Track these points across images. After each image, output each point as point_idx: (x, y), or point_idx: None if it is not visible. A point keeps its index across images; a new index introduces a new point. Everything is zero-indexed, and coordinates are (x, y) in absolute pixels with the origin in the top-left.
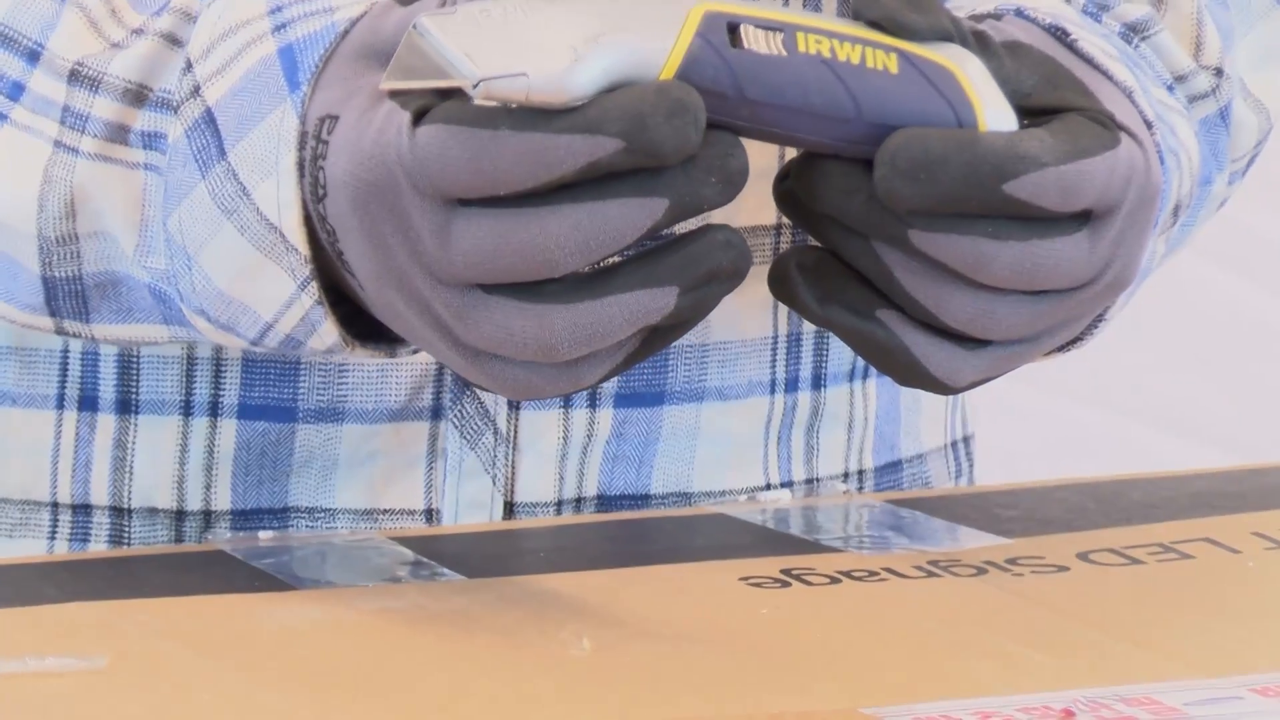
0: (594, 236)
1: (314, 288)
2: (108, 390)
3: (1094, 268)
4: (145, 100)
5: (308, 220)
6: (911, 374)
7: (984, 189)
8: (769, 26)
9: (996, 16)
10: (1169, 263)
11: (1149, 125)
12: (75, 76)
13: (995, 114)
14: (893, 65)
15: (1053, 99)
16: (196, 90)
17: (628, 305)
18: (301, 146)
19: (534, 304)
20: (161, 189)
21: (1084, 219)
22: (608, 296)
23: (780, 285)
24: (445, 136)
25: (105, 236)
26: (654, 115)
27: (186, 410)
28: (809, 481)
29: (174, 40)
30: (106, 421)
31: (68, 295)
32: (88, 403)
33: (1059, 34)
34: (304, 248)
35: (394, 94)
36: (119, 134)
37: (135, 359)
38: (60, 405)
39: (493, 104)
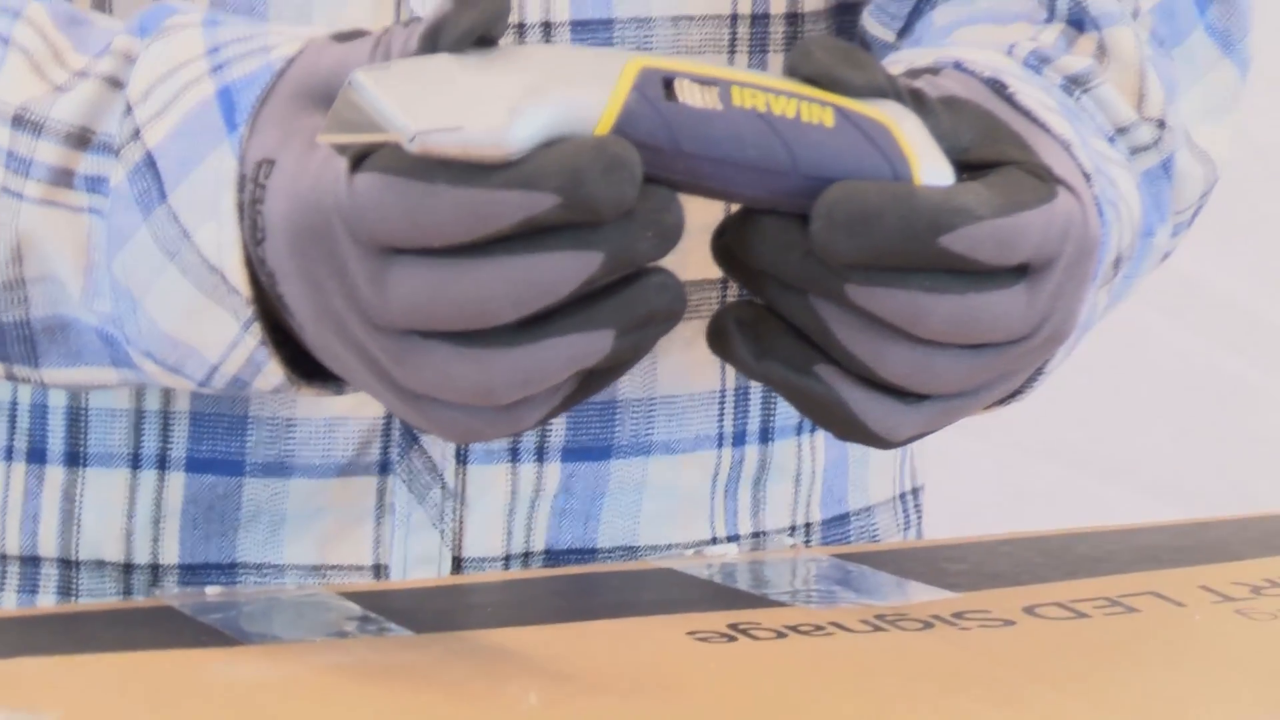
0: (529, 289)
1: (257, 328)
2: (56, 442)
3: (1032, 321)
4: (88, 144)
5: (249, 261)
6: (849, 429)
7: (920, 242)
8: (704, 81)
9: (934, 71)
10: (1117, 314)
11: (1087, 177)
12: (19, 121)
13: (931, 168)
14: (828, 120)
15: (991, 153)
16: (137, 133)
17: (565, 349)
18: (241, 189)
19: (472, 349)
20: (105, 233)
21: (1021, 272)
22: (545, 340)
23: (717, 340)
24: (381, 186)
25: (53, 281)
26: (591, 171)
27: (135, 463)
28: (755, 535)
29: (115, 82)
30: (55, 473)
31: (16, 340)
32: (36, 454)
33: (997, 87)
34: (245, 289)
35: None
36: (63, 178)
37: (83, 411)
38: (9, 457)
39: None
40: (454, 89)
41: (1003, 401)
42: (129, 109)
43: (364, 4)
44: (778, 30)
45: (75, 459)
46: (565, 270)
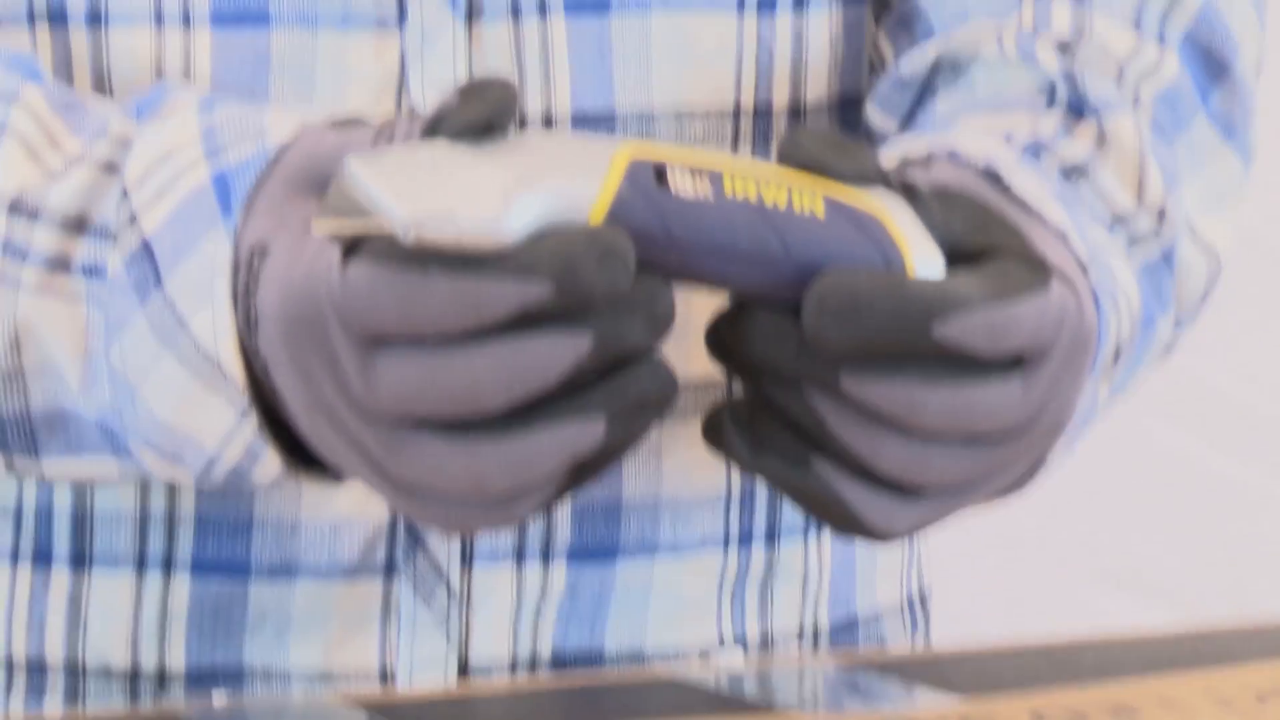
0: (519, 374)
1: (254, 417)
2: (61, 545)
3: (1028, 412)
4: (85, 230)
5: (244, 349)
6: (846, 523)
7: (912, 331)
8: (696, 170)
9: (926, 161)
10: (1118, 417)
11: (1083, 267)
12: (15, 208)
13: (923, 257)
14: (819, 209)
15: (984, 243)
16: (133, 219)
17: (557, 438)
18: (235, 275)
19: (463, 440)
20: (103, 321)
21: (1017, 363)
22: (537, 429)
23: (713, 435)
24: (374, 276)
25: (51, 371)
26: (585, 259)
27: (140, 565)
28: (763, 636)
29: (111, 168)
30: (61, 576)
31: (16, 431)
32: (42, 557)
33: (992, 176)
34: (241, 377)
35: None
36: (60, 265)
37: (89, 513)
38: (14, 560)
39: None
40: (447, 178)
41: (1003, 493)
42: (125, 194)
43: (365, 95)
44: (780, 124)
45: (81, 561)
46: (555, 355)
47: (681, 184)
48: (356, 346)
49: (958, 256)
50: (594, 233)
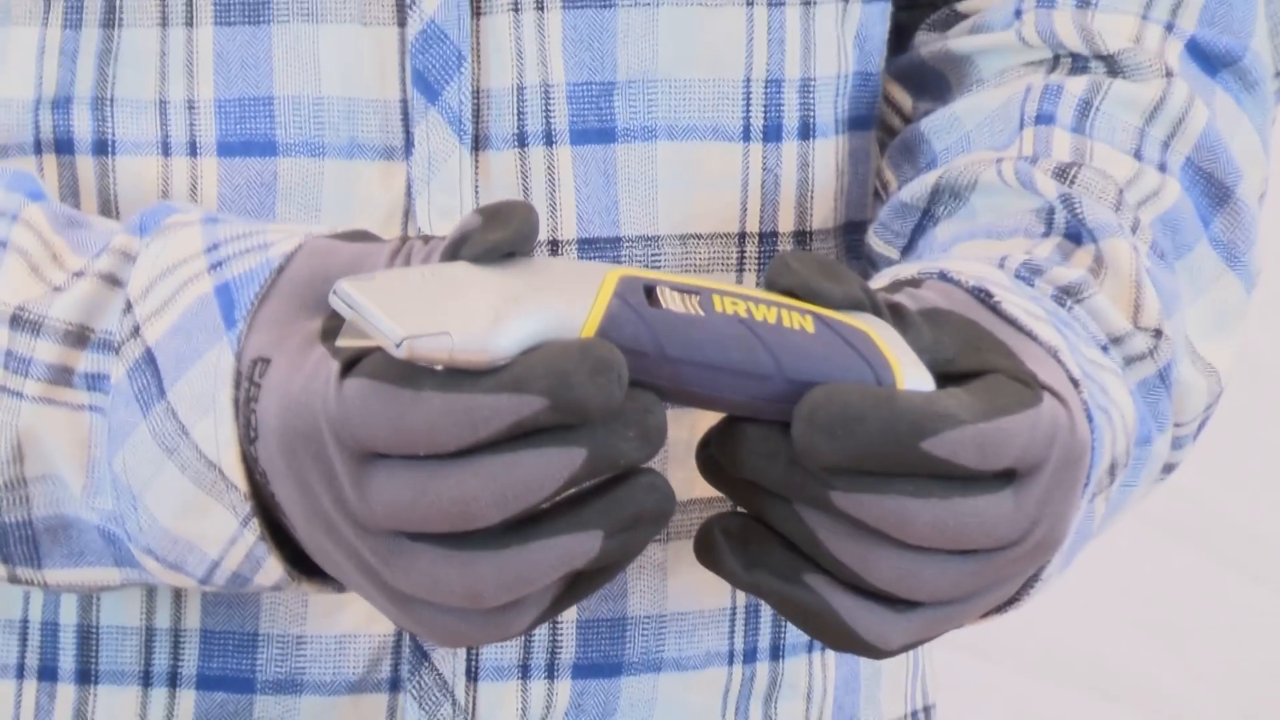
0: (511, 489)
1: (255, 524)
2: (67, 660)
3: (1020, 527)
4: (87, 342)
5: (245, 458)
6: (841, 638)
7: (902, 446)
8: (684, 290)
9: (916, 283)
10: (1124, 535)
11: (1075, 384)
12: (16, 321)
13: (912, 374)
14: (809, 326)
15: (975, 362)
16: (136, 330)
17: (553, 551)
18: (237, 385)
19: (459, 551)
20: (106, 430)
21: (1008, 478)
22: (533, 542)
23: (705, 552)
24: (368, 393)
25: (54, 479)
26: (578, 373)
27: (146, 681)
28: None
29: (114, 280)
30: (66, 691)
31: (18, 541)
32: (47, 672)
33: (982, 296)
34: (243, 485)
35: (326, 335)
36: (62, 376)
37: (94, 629)
38: (20, 675)
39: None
40: (439, 298)
41: (999, 610)
42: (129, 306)
43: (371, 222)
44: (786, 248)
45: (87, 677)
46: (548, 470)
47: (671, 301)
48: (351, 460)
49: (949, 377)
50: (586, 345)
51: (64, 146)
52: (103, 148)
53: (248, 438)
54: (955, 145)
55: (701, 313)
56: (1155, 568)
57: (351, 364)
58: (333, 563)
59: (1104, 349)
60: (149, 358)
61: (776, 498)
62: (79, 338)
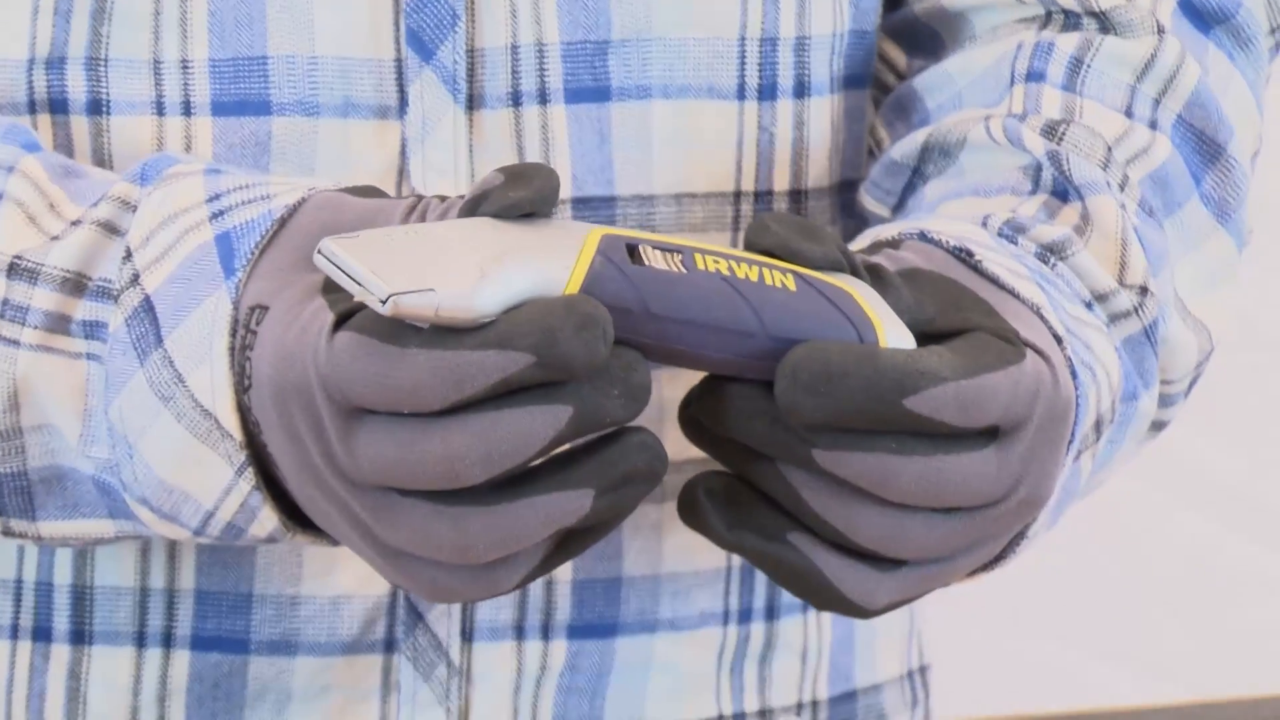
0: (497, 447)
1: (250, 473)
2: (61, 620)
3: (1003, 484)
4: (85, 289)
5: (240, 406)
6: (825, 597)
7: (885, 403)
8: (667, 249)
9: (895, 244)
10: (1121, 494)
11: (1059, 340)
12: (14, 269)
13: (894, 333)
14: (791, 285)
15: (956, 321)
16: (136, 278)
17: (544, 508)
18: (233, 333)
19: (450, 506)
20: (103, 378)
21: (991, 435)
22: (523, 500)
23: (689, 511)
24: (356, 347)
25: (49, 429)
26: (563, 329)
27: (140, 641)
28: (762, 712)
29: (112, 229)
30: (60, 651)
31: (13, 491)
32: (41, 633)
33: (963, 255)
34: (238, 433)
35: (328, 288)
36: (60, 324)
37: (89, 589)
38: (14, 635)
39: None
40: (424, 256)
41: (985, 568)
42: (129, 254)
43: (366, 181)
44: (781, 207)
45: (81, 637)
46: (534, 427)
47: (654, 259)
48: (339, 415)
49: (930, 336)
50: (571, 301)
51: (58, 106)
52: (97, 107)
53: (242, 386)
54: (948, 103)
55: (684, 270)
56: (1153, 529)
57: (347, 318)
58: (323, 515)
59: (1088, 306)
60: (147, 305)
61: (760, 456)
62: (76, 285)
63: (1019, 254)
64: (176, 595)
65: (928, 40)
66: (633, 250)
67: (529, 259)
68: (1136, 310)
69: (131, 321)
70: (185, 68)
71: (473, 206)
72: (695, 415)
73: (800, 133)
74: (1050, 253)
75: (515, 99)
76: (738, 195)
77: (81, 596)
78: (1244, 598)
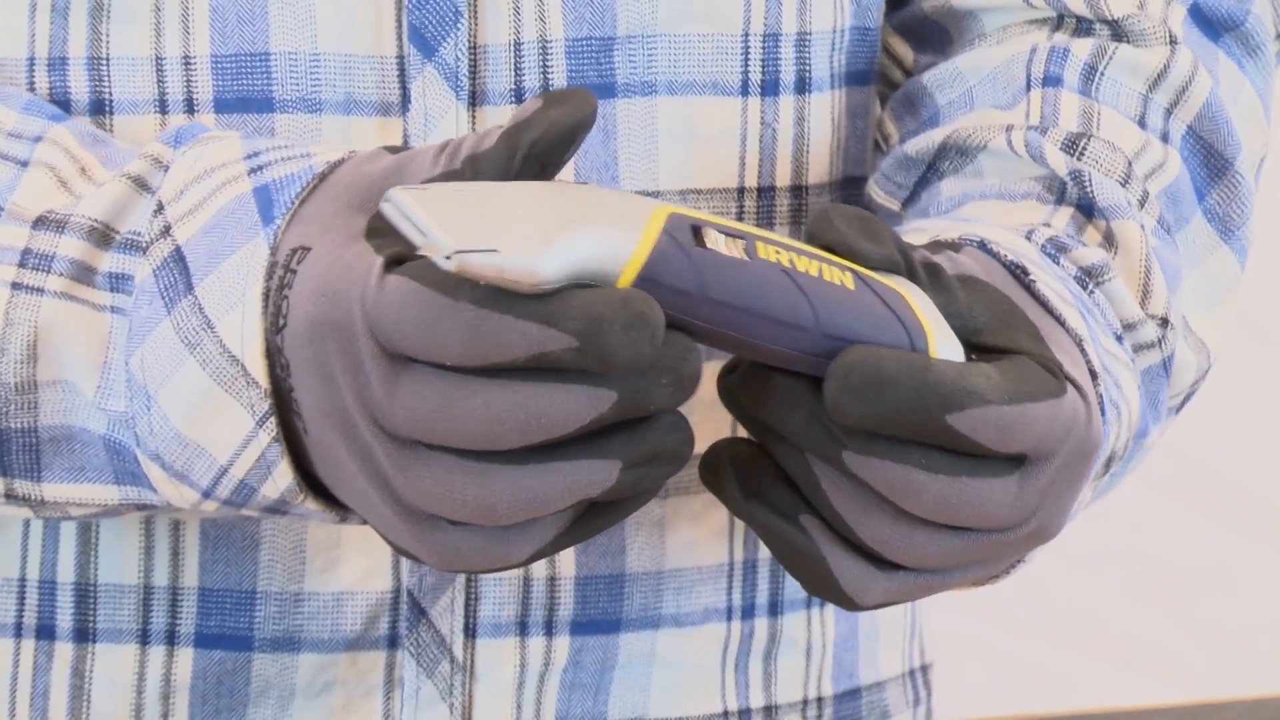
0: (537, 418)
1: (272, 423)
2: (65, 618)
3: (1019, 514)
4: (111, 241)
5: (269, 354)
6: (821, 583)
7: (927, 416)
8: (730, 234)
9: (956, 248)
10: (1121, 496)
11: (1094, 376)
12: (40, 222)
13: (944, 343)
14: (849, 283)
15: (1003, 339)
16: (167, 230)
17: (571, 474)
18: (269, 276)
19: (476, 463)
20: (125, 330)
21: (1017, 463)
22: (552, 463)
23: (710, 473)
24: (409, 294)
25: (65, 385)
26: (612, 322)
27: (143, 639)
28: (767, 709)
29: (143, 184)
30: (64, 650)
31: (21, 449)
32: (45, 631)
33: (1019, 272)
34: (264, 380)
35: (371, 234)
36: (85, 274)
37: (92, 587)
38: (18, 634)
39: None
40: (491, 214)
41: (980, 583)
42: (160, 208)
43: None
44: (783, 203)
45: (84, 635)
46: (577, 406)
47: (717, 243)
48: (382, 358)
49: (977, 348)
50: (628, 296)
51: (60, 107)
52: (100, 107)
53: (275, 327)
54: (959, 100)
55: (746, 258)
56: (1152, 528)
57: (394, 263)
58: (342, 468)
59: (1118, 338)
60: (178, 255)
61: (791, 446)
62: (103, 236)
63: (1062, 275)
64: (180, 593)
65: (935, 37)
66: (697, 232)
67: (595, 229)
68: (1159, 342)
69: (160, 271)
70: (188, 64)
71: (513, 134)
72: (734, 388)
73: (802, 128)
74: (1089, 277)
75: (519, 95)
76: (741, 191)
77: (85, 594)
78: (1245, 597)
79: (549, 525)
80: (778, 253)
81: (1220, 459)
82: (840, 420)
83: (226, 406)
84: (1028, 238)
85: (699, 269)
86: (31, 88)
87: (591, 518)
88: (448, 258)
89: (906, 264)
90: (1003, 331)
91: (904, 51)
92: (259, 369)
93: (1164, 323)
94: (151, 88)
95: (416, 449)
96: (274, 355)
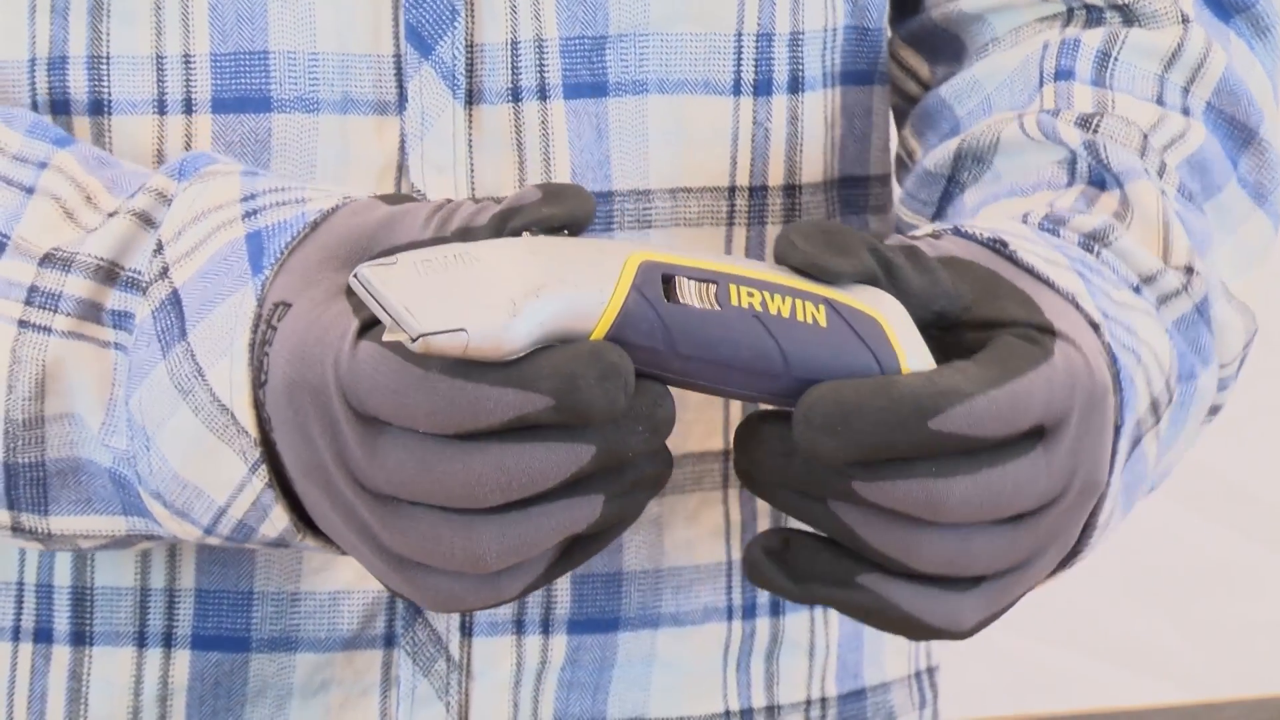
0: (517, 478)
1: (264, 471)
2: (62, 621)
3: (1058, 481)
4: (116, 279)
5: (256, 403)
6: (911, 629)
7: (908, 430)
8: (702, 278)
9: (936, 235)
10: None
11: (1095, 327)
12: (48, 259)
13: (917, 360)
14: (821, 317)
15: (993, 309)
16: (165, 272)
17: (555, 515)
18: (255, 329)
19: (460, 515)
20: (127, 368)
21: (1037, 435)
22: (535, 506)
23: (753, 573)
24: (379, 361)
25: (72, 419)
26: (585, 377)
27: (140, 641)
28: (769, 709)
29: (148, 220)
30: (61, 653)
31: (29, 483)
32: (42, 634)
33: (998, 246)
34: (254, 430)
35: (352, 292)
36: (91, 312)
37: (89, 590)
38: (15, 637)
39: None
40: (458, 287)
41: (1064, 564)
42: (160, 247)
43: (365, 177)
44: (775, 202)
45: (81, 638)
46: (555, 461)
47: (688, 293)
48: (358, 422)
49: (968, 325)
50: (596, 350)
51: (60, 107)
52: (98, 108)
53: (258, 381)
54: (977, 109)
55: (717, 306)
56: (1152, 528)
57: (371, 323)
58: (328, 522)
59: (1136, 290)
60: (175, 299)
61: (809, 497)
62: (109, 274)
63: (1060, 245)
64: (176, 595)
65: (948, 46)
66: (669, 281)
67: (564, 292)
68: (1185, 289)
69: (158, 314)
70: (188, 63)
71: (504, 218)
72: (743, 466)
73: (794, 128)
74: (1093, 240)
75: (515, 94)
76: (733, 190)
77: (82, 597)
78: (1245, 597)
79: (538, 562)
80: (750, 295)
81: (1220, 459)
82: (822, 460)
83: (220, 452)
84: (1023, 221)
85: (668, 326)
86: (32, 89)
87: (580, 548)
88: (414, 340)
89: (882, 264)
90: (991, 303)
91: (918, 64)
92: (248, 419)
93: (1188, 270)
94: (151, 87)
95: (399, 505)
96: (258, 408)
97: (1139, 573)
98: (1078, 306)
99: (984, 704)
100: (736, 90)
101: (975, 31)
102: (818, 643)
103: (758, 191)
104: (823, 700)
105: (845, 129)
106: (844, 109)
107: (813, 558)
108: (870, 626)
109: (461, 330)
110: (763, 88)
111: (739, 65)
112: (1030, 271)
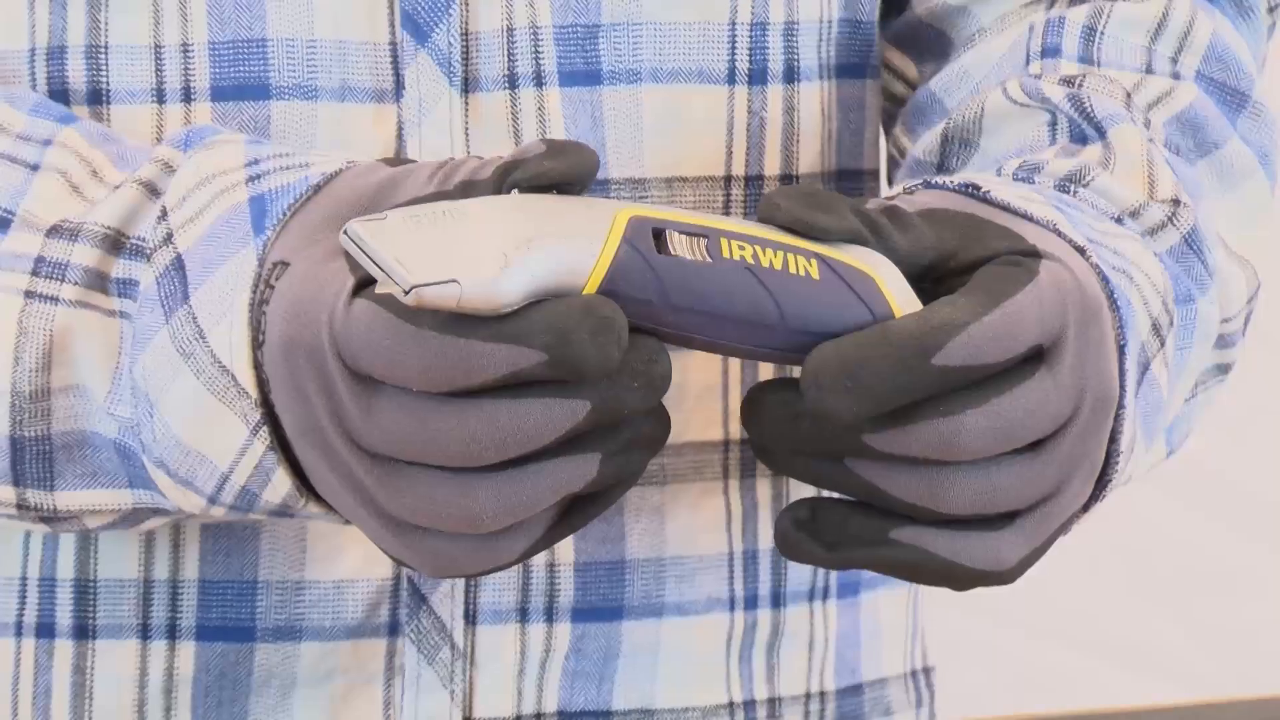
0: (512, 434)
1: (265, 432)
2: (64, 615)
3: (1069, 398)
4: (122, 247)
5: (256, 366)
6: (955, 578)
7: (914, 372)
8: (693, 232)
9: (908, 192)
10: (1123, 496)
11: (1080, 250)
12: (56, 231)
13: (910, 310)
14: (814, 271)
15: (979, 250)
16: (169, 237)
17: (551, 473)
18: (255, 288)
19: (457, 474)
20: (132, 336)
21: (1037, 359)
22: (531, 465)
23: (786, 546)
24: (372, 318)
25: (78, 390)
26: (578, 331)
27: (144, 633)
28: (770, 701)
29: (153, 189)
30: (64, 647)
31: (34, 457)
32: (45, 629)
33: (971, 190)
34: (254, 391)
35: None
36: (98, 281)
37: (92, 583)
38: (18, 632)
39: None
40: (450, 241)
41: (1099, 493)
42: (164, 214)
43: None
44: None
45: (84, 632)
46: (550, 417)
47: (679, 246)
48: (354, 381)
49: (958, 270)
50: (589, 304)
51: (59, 97)
52: (97, 97)
53: (257, 341)
54: (967, 99)
55: (709, 259)
56: (1152, 528)
57: (367, 282)
58: (326, 483)
59: (1118, 221)
60: (178, 264)
61: (827, 460)
62: (115, 243)
63: (1035, 188)
64: (180, 586)
65: (934, 43)
66: (659, 235)
67: (554, 245)
68: (1171, 220)
69: (162, 279)
70: (186, 51)
71: (506, 171)
72: (760, 442)
73: (791, 117)
74: (1070, 181)
75: (511, 82)
76: (728, 179)
77: (85, 590)
78: (1245, 597)
79: (536, 523)
80: (741, 248)
81: (1220, 459)
82: (840, 422)
83: (222, 415)
84: (998, 174)
85: (660, 277)
86: (32, 79)
87: (578, 510)
88: (407, 292)
89: (867, 223)
90: (975, 243)
91: (904, 64)
92: (248, 379)
93: (1175, 203)
94: (149, 76)
95: (396, 464)
96: (256, 369)
97: (1140, 573)
98: (1059, 234)
99: (983, 704)
100: (731, 79)
101: (961, 25)
102: (816, 636)
103: (754, 181)
104: (821, 694)
105: (841, 121)
106: (839, 101)
107: (843, 521)
108: (914, 582)
109: (454, 282)
110: (757, 77)
111: (733, 55)
112: (1006, 208)
